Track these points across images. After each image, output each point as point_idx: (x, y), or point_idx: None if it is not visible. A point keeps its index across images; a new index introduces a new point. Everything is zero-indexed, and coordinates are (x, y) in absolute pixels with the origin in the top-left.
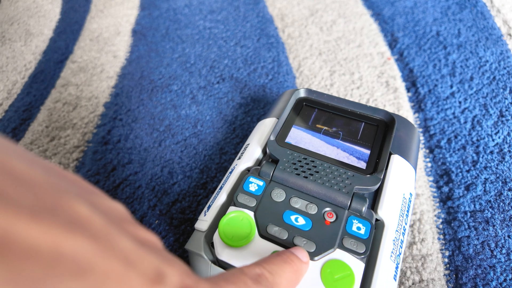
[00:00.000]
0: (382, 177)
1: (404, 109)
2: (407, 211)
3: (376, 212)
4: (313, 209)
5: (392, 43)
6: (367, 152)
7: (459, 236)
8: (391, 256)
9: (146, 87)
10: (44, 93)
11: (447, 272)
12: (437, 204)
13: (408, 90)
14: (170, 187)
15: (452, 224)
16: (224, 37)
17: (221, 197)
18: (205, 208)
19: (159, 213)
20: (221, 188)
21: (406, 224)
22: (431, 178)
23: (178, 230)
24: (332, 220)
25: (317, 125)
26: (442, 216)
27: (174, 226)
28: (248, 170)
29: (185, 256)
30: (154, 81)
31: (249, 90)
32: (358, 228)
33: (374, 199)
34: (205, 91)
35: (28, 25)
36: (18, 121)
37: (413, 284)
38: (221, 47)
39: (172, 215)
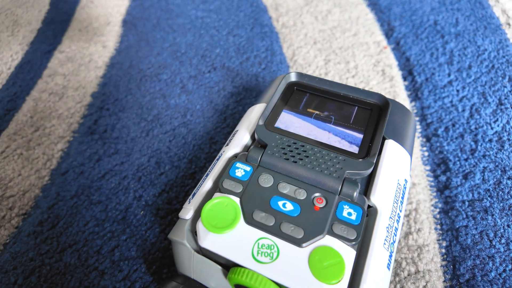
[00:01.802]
0: (374, 162)
1: (401, 98)
2: (402, 198)
3: (368, 198)
4: (302, 195)
5: (388, 32)
6: (360, 136)
7: (457, 226)
8: (385, 243)
9: (135, 76)
10: (31, 83)
11: (444, 263)
12: (434, 194)
13: (404, 78)
14: (157, 177)
15: (450, 214)
16: (216, 26)
17: (206, 184)
18: (190, 196)
19: (145, 203)
20: (207, 175)
21: (400, 211)
22: (428, 167)
23: (164, 221)
24: (321, 206)
25: (308, 110)
26: (439, 205)
27: (160, 217)
28: (235, 156)
29: (171, 248)
30: (143, 70)
31: (241, 79)
32: (349, 214)
33: (367, 186)
34: (196, 80)
35: (16, 15)
36: (2, 111)
37: (408, 275)
38: (213, 36)
39: (158, 206)
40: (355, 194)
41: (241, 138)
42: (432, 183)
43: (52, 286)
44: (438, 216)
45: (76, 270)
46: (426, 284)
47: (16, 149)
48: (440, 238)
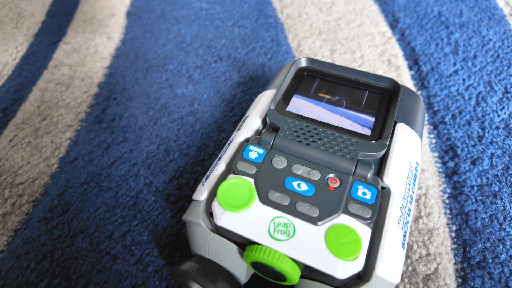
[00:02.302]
0: (387, 144)
1: (407, 86)
2: (414, 180)
3: (382, 179)
4: (316, 175)
5: (393, 23)
6: (372, 119)
7: (466, 210)
8: (399, 223)
9: (141, 66)
10: (36, 74)
11: (454, 246)
12: (443, 179)
13: (410, 68)
14: (167, 164)
15: (459, 199)
16: (221, 17)
17: (219, 166)
18: (203, 179)
19: (156, 189)
20: (219, 158)
21: (413, 192)
22: (436, 154)
23: (175, 207)
24: (336, 186)
25: (319, 94)
26: (448, 191)
27: (171, 202)
28: (247, 140)
29: (183, 232)
30: (149, 61)
31: (248, 69)
32: (364, 194)
33: (379, 167)
34: (202, 70)
35: (20, 7)
36: (9, 101)
37: (420, 257)
38: (218, 27)
39: (169, 191)
40: (369, 175)
41: (252, 122)
42: (441, 169)
43: (64, 270)
44: (447, 201)
45: (88, 254)
46: (438, 266)
47: (24, 137)
48: (450, 222)
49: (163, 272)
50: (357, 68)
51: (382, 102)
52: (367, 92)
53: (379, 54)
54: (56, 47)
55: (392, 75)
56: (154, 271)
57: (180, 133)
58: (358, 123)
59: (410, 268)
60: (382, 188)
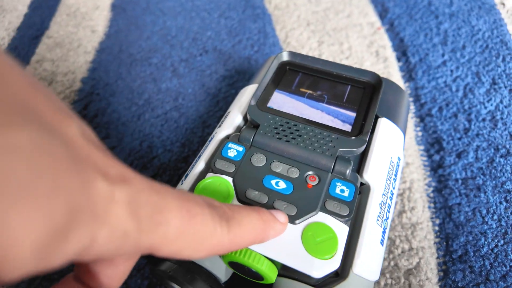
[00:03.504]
0: (367, 139)
1: (395, 78)
2: (395, 175)
3: (361, 175)
4: (294, 173)
5: (382, 13)
6: (353, 114)
7: (450, 204)
8: (378, 220)
9: (125, 61)
10: None
11: (437, 240)
12: (428, 173)
13: (398, 59)
14: (150, 161)
15: (443, 192)
16: (207, 8)
17: (199, 165)
18: (183, 177)
19: None
20: (199, 156)
21: (394, 188)
22: (421, 147)
23: None
24: (314, 183)
25: (301, 89)
26: (433, 184)
27: None
28: (228, 137)
29: None
30: (133, 54)
31: (234, 62)
32: (342, 191)
33: (360, 163)
34: (187, 64)
35: (1, 0)
36: None
37: (402, 252)
38: (204, 19)
39: None
40: (347, 171)
41: (233, 119)
42: (426, 163)
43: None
44: (431, 194)
45: None
46: (420, 261)
47: None
48: (434, 216)
49: (145, 271)
50: (344, 60)
51: (364, 96)
52: (349, 86)
53: (367, 45)
54: (38, 42)
55: (379, 66)
56: (136, 269)
57: (164, 129)
58: (339, 118)
59: (392, 263)
60: (362, 184)
